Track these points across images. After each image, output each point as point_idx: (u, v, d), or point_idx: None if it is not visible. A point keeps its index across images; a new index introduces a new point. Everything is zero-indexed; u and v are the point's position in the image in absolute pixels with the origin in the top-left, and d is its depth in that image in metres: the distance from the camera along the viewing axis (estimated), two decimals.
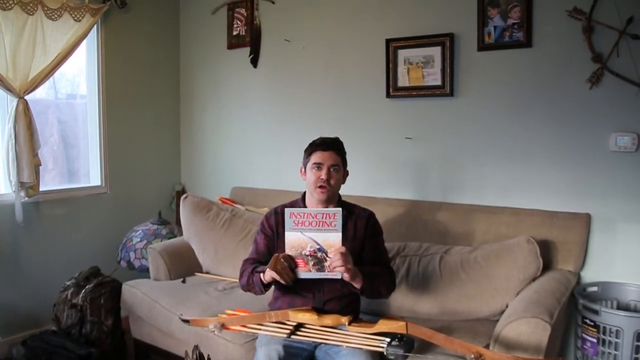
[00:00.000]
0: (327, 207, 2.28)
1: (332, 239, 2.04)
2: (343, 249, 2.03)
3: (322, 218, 2.04)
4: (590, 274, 2.69)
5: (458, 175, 3.04)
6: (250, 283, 2.23)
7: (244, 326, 2.19)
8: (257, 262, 2.31)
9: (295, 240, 2.06)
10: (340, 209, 2.08)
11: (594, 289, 2.61)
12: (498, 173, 2.92)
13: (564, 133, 2.72)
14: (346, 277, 2.04)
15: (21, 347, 2.97)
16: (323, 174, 2.24)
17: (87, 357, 2.83)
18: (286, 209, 2.08)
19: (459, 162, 3.03)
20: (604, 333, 2.35)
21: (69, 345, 2.88)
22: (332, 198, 2.32)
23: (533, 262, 2.48)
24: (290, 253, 2.06)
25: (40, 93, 3.52)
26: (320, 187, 2.24)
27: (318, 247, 2.04)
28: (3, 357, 2.96)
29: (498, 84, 2.88)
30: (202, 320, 2.31)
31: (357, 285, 2.11)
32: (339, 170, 2.29)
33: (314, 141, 2.33)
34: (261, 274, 2.13)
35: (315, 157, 2.27)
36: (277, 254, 2.08)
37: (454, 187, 3.05)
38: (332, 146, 2.28)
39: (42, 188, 3.35)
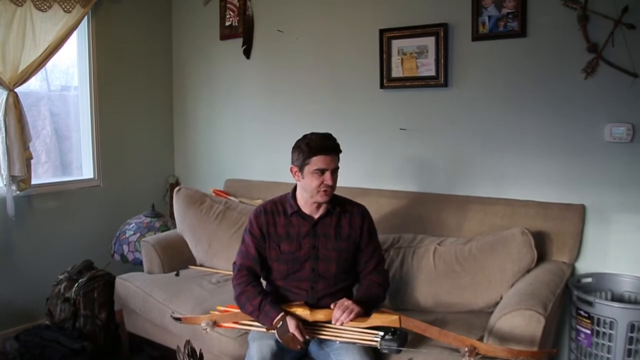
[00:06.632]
0: (326, 206, 2.27)
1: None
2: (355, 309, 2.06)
3: None
4: (585, 265, 2.68)
5: (452, 166, 3.02)
6: (248, 309, 2.15)
7: (236, 323, 2.18)
8: (252, 272, 2.25)
9: None
10: None
11: (589, 280, 2.61)
12: (492, 164, 2.90)
13: (559, 123, 2.70)
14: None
15: (14, 342, 2.95)
16: (329, 180, 2.15)
17: (81, 351, 2.82)
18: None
19: (454, 153, 3.01)
20: (598, 324, 2.35)
21: (62, 340, 2.87)
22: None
23: (527, 253, 2.47)
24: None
25: (33, 85, 3.48)
26: (325, 190, 2.18)
27: None
28: None
29: (492, 74, 2.86)
30: (194, 318, 2.30)
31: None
32: (338, 170, 2.22)
33: (310, 143, 2.16)
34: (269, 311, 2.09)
35: (318, 162, 2.14)
36: (291, 335, 2.01)
37: (448, 178, 3.03)
38: (334, 149, 2.18)
39: (35, 181, 3.33)
